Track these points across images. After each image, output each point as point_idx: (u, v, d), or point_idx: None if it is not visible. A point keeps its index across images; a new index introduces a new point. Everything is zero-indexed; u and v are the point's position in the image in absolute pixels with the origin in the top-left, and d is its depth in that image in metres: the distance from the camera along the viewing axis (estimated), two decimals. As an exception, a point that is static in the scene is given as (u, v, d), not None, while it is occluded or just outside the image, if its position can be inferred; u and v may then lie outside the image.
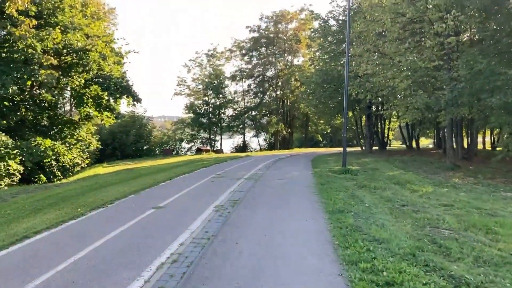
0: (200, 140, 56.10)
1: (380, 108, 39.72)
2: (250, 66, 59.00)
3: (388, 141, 52.14)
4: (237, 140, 61.59)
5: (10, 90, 19.56)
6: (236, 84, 60.82)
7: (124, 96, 26.91)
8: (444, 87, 18.69)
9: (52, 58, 20.80)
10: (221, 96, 55.63)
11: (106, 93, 25.84)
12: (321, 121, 53.78)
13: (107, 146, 42.01)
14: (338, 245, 6.71)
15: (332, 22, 34.01)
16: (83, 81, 25.86)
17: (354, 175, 17.37)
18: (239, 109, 59.21)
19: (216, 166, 23.01)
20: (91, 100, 26.56)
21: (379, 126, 42.01)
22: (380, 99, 27.66)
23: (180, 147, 54.17)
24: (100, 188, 13.95)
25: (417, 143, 42.72)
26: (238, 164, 24.28)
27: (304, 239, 7.15)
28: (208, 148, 45.27)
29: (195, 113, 53.75)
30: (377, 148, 41.85)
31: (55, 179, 25.76)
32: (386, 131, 45.95)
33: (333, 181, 14.94)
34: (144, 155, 44.06)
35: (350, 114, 40.70)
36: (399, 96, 23.48)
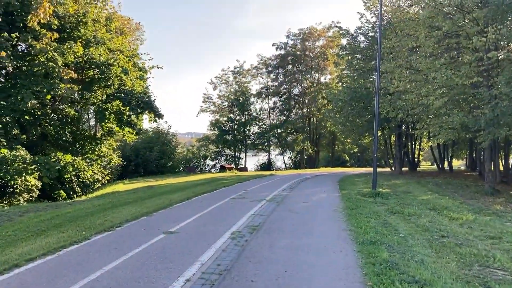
0: (224, 157, 55.37)
1: (411, 127, 38.22)
2: (276, 84, 58.36)
3: (418, 161, 50.16)
4: (262, 158, 60.66)
5: (29, 104, 19.30)
6: (262, 101, 60.24)
7: (146, 112, 26.49)
8: (483, 106, 17.34)
9: (72, 72, 20.49)
10: (246, 113, 55.02)
11: (127, 109, 25.41)
12: (348, 140, 52.42)
13: (130, 162, 41.77)
14: (372, 286, 5.63)
15: (361, 38, 33.04)
16: (104, 96, 25.60)
17: (385, 199, 16.14)
18: (264, 126, 58.41)
19: (238, 185, 22.09)
20: (113, 116, 26.22)
21: (409, 146, 40.38)
22: (411, 118, 26.36)
23: (204, 164, 53.52)
24: (112, 208, 13.18)
25: (450, 165, 40.83)
26: (261, 183, 23.30)
27: (332, 277, 6.09)
28: (232, 166, 44.42)
29: (219, 130, 53.23)
30: (407, 168, 40.20)
31: (75, 195, 25.36)
32: (416, 151, 44.24)
33: (363, 206, 13.77)
34: (167, 172, 43.57)
35: (379, 133, 39.33)
36: (431, 116, 22.18)
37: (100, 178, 27.13)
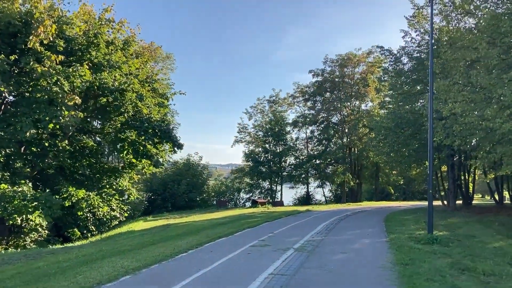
0: (259, 190, 52.14)
1: (463, 156, 34.13)
2: (313, 112, 55.36)
3: (472, 195, 45.19)
4: (300, 190, 57.06)
5: (28, 133, 17.36)
6: (299, 130, 57.26)
7: (164, 142, 24.13)
8: None
9: (76, 97, 18.54)
10: (281, 143, 52.04)
11: (142, 138, 23.12)
12: (393, 172, 48.23)
13: (158, 196, 39.56)
14: None
15: (405, 59, 29.80)
16: (119, 125, 23.55)
17: (445, 247, 12.72)
18: (301, 157, 55.17)
19: (265, 225, 19.08)
20: (127, 146, 24.02)
21: (461, 177, 36.02)
22: (468, 146, 22.79)
23: (238, 197, 50.57)
24: (95, 261, 10.54)
25: (512, 199, 36.09)
26: (293, 223, 20.19)
27: None
28: (264, 200, 40.96)
29: (253, 161, 50.43)
30: (459, 202, 35.79)
31: (89, 234, 23.15)
32: (470, 183, 39.70)
33: (419, 259, 10.51)
34: (197, 207, 40.97)
35: (427, 163, 35.46)
36: (494, 143, 18.54)
37: (118, 215, 24.83)
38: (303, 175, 54.00)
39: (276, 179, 52.03)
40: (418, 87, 29.49)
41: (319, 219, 22.43)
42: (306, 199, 55.52)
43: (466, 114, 17.06)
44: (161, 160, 25.09)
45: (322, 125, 55.40)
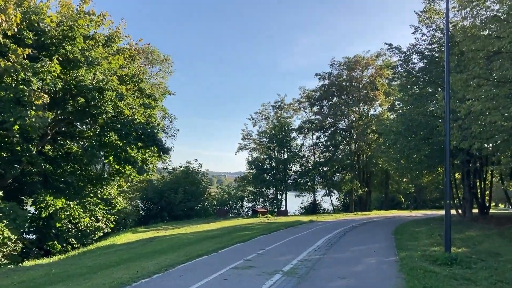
0: (263, 199, 49.75)
1: (479, 162, 31.68)
2: (319, 117, 53.09)
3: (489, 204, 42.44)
4: (307, 199, 54.61)
5: (-15, 136, 15.52)
6: (304, 136, 54.93)
7: (150, 146, 21.99)
8: None
9: (45, 95, 16.60)
10: (286, 150, 49.75)
11: (123, 142, 21.01)
12: (404, 179, 45.69)
13: (155, 205, 37.43)
14: None
15: (415, 58, 27.57)
16: (99, 128, 21.54)
17: (467, 269, 10.56)
18: (307, 164, 52.83)
19: (259, 239, 16.95)
20: (110, 151, 21.93)
21: (477, 185, 33.46)
22: (490, 149, 20.56)
23: (241, 206, 48.15)
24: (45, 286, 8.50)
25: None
26: (291, 236, 18.02)
27: None
28: (265, 209, 38.28)
29: (257, 168, 48.19)
30: (475, 211, 33.23)
31: (69, 248, 21.21)
32: (487, 191, 37.13)
33: (436, 287, 8.39)
34: (195, 216, 38.69)
35: (439, 170, 33.03)
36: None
37: (103, 226, 22.82)
38: (309, 183, 51.64)
39: (281, 187, 49.69)
40: (430, 89, 27.30)
41: (322, 232, 20.25)
42: (313, 208, 53.12)
43: (487, 113, 14.90)
44: (147, 166, 22.95)
45: (329, 131, 53.10)
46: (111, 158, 21.98)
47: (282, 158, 49.47)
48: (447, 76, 12.49)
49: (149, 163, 23.08)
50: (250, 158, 49.25)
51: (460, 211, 32.17)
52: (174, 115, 42.98)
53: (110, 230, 24.11)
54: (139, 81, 23.48)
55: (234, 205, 47.66)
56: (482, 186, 34.08)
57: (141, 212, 38.52)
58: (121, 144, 20.95)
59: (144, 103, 22.88)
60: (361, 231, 21.10)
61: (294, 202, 55.03)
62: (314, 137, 55.00)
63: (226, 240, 16.43)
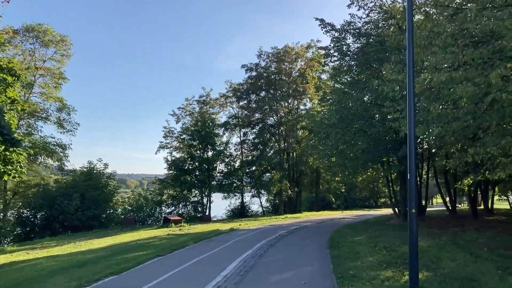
0: (184, 203, 44.36)
1: (426, 155, 29.02)
2: (247, 112, 48.89)
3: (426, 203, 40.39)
4: (235, 201, 50.22)
5: None
6: (231, 133, 50.60)
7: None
8: None
9: None
10: (210, 148, 44.88)
11: None
12: (337, 179, 42.42)
13: (43, 216, 30.78)
14: None
15: (349, 39, 23.91)
16: None
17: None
18: (233, 163, 48.39)
19: (145, 267, 11.93)
20: None
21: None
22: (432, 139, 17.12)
23: (160, 212, 42.36)
24: None
25: (473, 205, 31.13)
26: (193, 259, 13.18)
27: None
28: (178, 217, 32.43)
29: (178, 169, 42.82)
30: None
31: None
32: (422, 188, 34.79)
33: None
34: (99, 226, 32.63)
35: (375, 166, 29.94)
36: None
37: None
38: (235, 184, 47.26)
39: (205, 189, 44.69)
40: (368, 73, 23.81)
41: (239, 247, 15.69)
42: (241, 211, 48.93)
43: (450, 89, 11.09)
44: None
45: (257, 127, 49.16)
46: None
47: (206, 157, 44.58)
48: (410, 32, 8.40)
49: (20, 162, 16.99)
50: (169, 158, 43.75)
51: (397, 210, 29.24)
52: (73, 106, 36.29)
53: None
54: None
55: (153, 211, 41.97)
56: (418, 183, 31.38)
57: (27, 223, 31.56)
58: None
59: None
60: (289, 243, 16.84)
61: (222, 205, 50.48)
62: (241, 134, 50.92)
63: (94, 270, 11.25)
